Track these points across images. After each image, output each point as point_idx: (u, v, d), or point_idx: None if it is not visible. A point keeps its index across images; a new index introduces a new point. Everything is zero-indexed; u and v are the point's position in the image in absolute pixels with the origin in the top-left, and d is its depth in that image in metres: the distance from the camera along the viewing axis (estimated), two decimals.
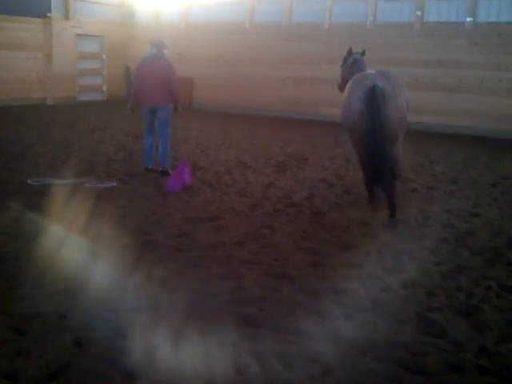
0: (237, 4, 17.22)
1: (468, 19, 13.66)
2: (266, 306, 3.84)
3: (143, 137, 8.43)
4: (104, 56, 19.17)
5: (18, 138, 10.48)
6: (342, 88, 7.04)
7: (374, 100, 5.52)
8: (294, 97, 16.06)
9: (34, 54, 16.93)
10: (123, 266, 4.41)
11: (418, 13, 14.15)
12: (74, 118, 13.76)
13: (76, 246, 4.86)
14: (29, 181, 7.09)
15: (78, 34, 18.07)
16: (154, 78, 7.71)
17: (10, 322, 3.50)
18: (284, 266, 4.61)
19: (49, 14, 17.15)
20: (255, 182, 7.76)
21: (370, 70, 6.37)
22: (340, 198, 6.97)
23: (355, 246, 5.14)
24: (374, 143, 5.50)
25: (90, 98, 18.59)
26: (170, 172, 7.77)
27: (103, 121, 13.53)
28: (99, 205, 6.19)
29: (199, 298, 3.93)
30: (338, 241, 5.32)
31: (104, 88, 19.33)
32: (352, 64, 6.98)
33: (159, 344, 3.26)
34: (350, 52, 7.22)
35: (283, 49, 16.26)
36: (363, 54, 7.16)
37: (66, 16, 17.67)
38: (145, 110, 8.01)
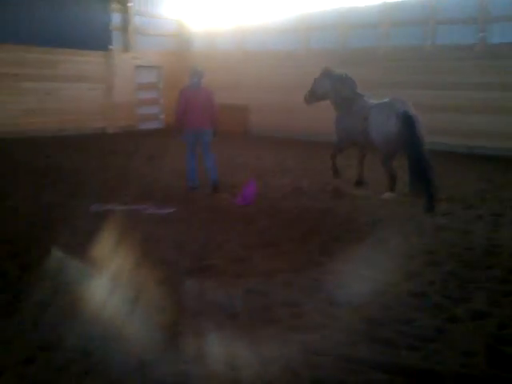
0: (291, 31, 17.40)
1: None
2: (327, 334, 3.76)
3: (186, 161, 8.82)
4: (161, 85, 19.74)
5: (81, 165, 10.87)
6: (309, 100, 9.43)
7: (413, 125, 7.55)
8: None
9: (95, 86, 17.65)
10: (184, 291, 4.46)
11: (482, 34, 13.73)
12: (134, 147, 14.15)
13: (137, 269, 4.94)
14: (91, 207, 7.30)
15: (137, 66, 18.73)
16: (199, 105, 8.41)
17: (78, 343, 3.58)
18: (345, 293, 4.51)
19: (110, 47, 17.89)
20: (311, 208, 7.70)
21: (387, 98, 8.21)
22: (402, 226, 6.79)
23: (419, 275, 4.98)
24: (422, 154, 7.46)
25: (148, 126, 19.16)
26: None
27: (161, 148, 13.85)
28: (159, 230, 6.31)
29: (260, 323, 3.89)
30: (401, 269, 5.17)
31: (161, 117, 19.85)
32: (341, 82, 8.86)
33: (212, 358, 3.24)
34: (328, 71, 8.95)
35: None
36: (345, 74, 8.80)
37: (126, 48, 18.38)
38: (189, 135, 8.51)
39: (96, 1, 17.45)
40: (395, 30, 15.30)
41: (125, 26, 18.37)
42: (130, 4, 18.20)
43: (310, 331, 3.80)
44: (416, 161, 7.44)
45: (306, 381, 3.15)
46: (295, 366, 3.30)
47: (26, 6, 15.58)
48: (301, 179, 9.86)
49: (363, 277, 4.94)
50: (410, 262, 5.40)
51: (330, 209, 7.61)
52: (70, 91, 16.80)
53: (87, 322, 3.88)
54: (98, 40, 17.56)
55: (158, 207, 7.39)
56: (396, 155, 8.19)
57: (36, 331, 3.77)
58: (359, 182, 9.14)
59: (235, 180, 9.31)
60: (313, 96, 9.46)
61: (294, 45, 17.35)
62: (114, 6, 17.99)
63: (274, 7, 17.85)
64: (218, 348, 3.53)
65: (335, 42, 16.49)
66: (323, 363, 3.34)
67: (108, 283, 4.60)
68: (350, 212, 7.47)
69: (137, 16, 18.61)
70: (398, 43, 15.17)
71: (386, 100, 8.22)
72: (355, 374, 3.23)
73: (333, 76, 9.03)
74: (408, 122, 7.52)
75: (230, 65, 18.64)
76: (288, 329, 3.83)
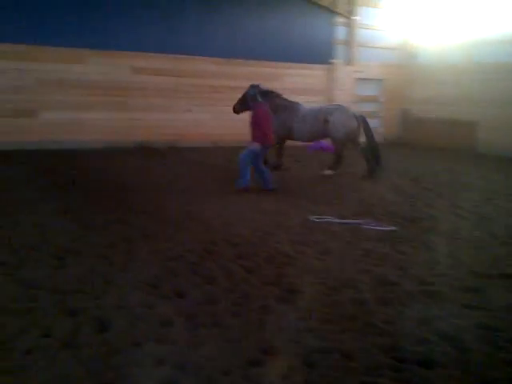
0: None
1: None
2: None
3: (259, 170, 9.27)
4: (381, 99, 19.49)
5: (298, 175, 11.19)
6: (239, 110, 10.94)
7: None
8: None
9: (316, 98, 18.08)
10: (410, 315, 4.21)
11: None
12: (352, 159, 14.09)
13: (355, 286, 4.81)
14: (310, 217, 7.40)
15: (358, 78, 18.76)
16: (269, 120, 9.19)
17: (302, 354, 3.58)
18: None
19: (332, 61, 18.23)
20: None
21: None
22: None
23: None
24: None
25: None
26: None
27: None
28: (378, 248, 6.10)
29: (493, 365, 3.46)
30: None
31: (380, 130, 19.58)
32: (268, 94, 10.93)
33: None
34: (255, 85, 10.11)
35: None
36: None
37: (348, 61, 18.55)
38: (265, 148, 9.17)
39: (321, 15, 17.97)
40: None
41: (348, 40, 18.56)
42: (355, 17, 18.33)
43: None
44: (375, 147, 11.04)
45: None
46: None
47: (258, 22, 16.76)
48: None
49: None
50: None
51: None
52: None
53: (310, 333, 3.85)
54: (320, 54, 18.10)
55: (377, 223, 7.18)
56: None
57: (262, 333, 3.86)
58: None
59: (458, 203, 8.65)
60: (243, 106, 10.72)
61: None
62: (339, 19, 18.30)
63: (507, 18, 16.31)
64: None
65: None
66: None
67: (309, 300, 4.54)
68: None
69: (360, 29, 18.66)
70: None
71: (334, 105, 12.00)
72: None
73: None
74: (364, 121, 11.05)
75: (458, 78, 17.55)
76: None
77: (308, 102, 17.70)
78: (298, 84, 17.62)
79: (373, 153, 11.04)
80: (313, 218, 7.40)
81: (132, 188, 9.12)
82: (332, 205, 8.40)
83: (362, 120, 11.05)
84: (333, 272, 5.25)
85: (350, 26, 18.46)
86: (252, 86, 9.71)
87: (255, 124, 8.99)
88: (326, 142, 11.33)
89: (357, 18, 18.38)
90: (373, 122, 19.22)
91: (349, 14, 18.32)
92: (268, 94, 10.97)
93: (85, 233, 6.32)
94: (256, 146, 8.94)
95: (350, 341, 3.80)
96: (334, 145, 11.32)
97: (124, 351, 3.52)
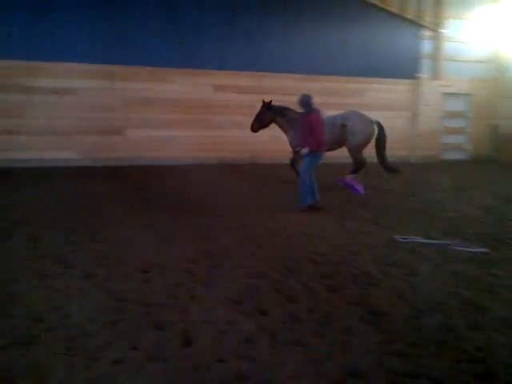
0: None
1: None
2: None
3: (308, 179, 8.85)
4: (469, 114, 18.75)
5: (382, 194, 10.92)
6: (256, 128, 11.50)
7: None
8: None
9: (400, 114, 17.72)
10: (503, 342, 3.97)
11: None
12: (437, 177, 13.67)
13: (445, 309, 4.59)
14: (397, 238, 7.18)
15: (445, 93, 18.17)
16: (322, 126, 8.93)
17: (387, 375, 3.48)
18: None
19: (418, 75, 17.79)
20: None
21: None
22: None
23: None
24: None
25: (452, 156, 18.37)
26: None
27: (467, 181, 13.08)
28: (468, 270, 5.81)
29: None
30: None
31: (467, 147, 18.83)
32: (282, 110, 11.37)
33: None
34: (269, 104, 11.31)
35: None
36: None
37: (435, 76, 18.03)
38: (319, 156, 8.92)
39: (406, 28, 17.63)
40: None
41: (434, 53, 18.06)
42: (441, 30, 17.82)
43: None
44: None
45: None
46: None
47: (340, 36, 16.71)
48: None
49: None
50: None
51: None
52: None
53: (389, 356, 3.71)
54: (406, 68, 17.72)
55: (467, 245, 6.84)
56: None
57: (346, 355, 3.76)
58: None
59: None
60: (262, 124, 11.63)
61: None
62: (425, 33, 17.86)
63: None
64: None
65: None
66: None
67: (414, 320, 4.36)
68: None
69: (447, 42, 18.11)
70: None
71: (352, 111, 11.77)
72: None
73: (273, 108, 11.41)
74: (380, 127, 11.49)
75: None
76: None
77: (393, 117, 17.53)
78: (381, 100, 17.34)
79: (381, 158, 11.51)
80: (399, 237, 7.18)
81: (214, 204, 9.27)
82: (419, 224, 8.12)
83: (378, 125, 11.45)
84: (419, 294, 5.05)
85: (436, 39, 17.98)
86: (303, 95, 9.11)
87: (309, 130, 8.74)
88: (352, 180, 11.20)
89: (444, 30, 17.87)
90: (459, 138, 18.66)
91: (435, 26, 17.85)
92: (283, 110, 11.38)
93: (169, 247, 6.47)
94: (307, 150, 8.73)
95: (440, 366, 3.62)
96: (352, 150, 11.39)
97: (208, 366, 3.54)
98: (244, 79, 15.82)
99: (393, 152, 17.29)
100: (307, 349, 3.85)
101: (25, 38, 13.74)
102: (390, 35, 17.52)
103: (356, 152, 11.36)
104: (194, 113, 15.43)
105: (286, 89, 15.89)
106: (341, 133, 11.22)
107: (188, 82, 15.28)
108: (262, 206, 9.25)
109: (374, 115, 16.90)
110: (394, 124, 17.39)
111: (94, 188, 10.66)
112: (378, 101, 17.25)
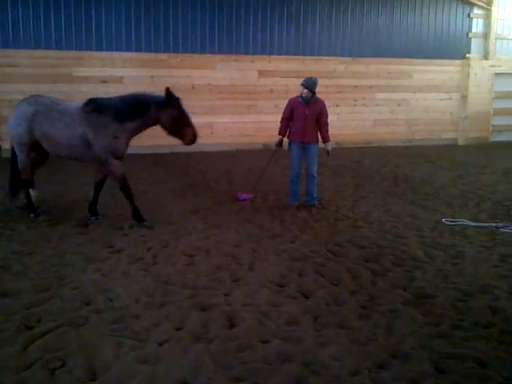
0: None
1: None
2: None
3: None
4: None
5: (430, 177, 10.70)
6: None
7: None
8: None
9: (449, 95, 17.24)
10: None
11: None
12: (486, 160, 13.28)
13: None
14: (443, 220, 7.06)
15: (496, 73, 17.55)
16: (305, 116, 7.87)
17: (431, 357, 3.45)
18: None
19: (468, 55, 17.24)
20: None
21: None
22: None
23: None
24: None
25: (503, 138, 17.77)
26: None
27: None
28: None
29: None
30: None
31: None
32: None
33: None
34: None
35: None
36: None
37: (486, 56, 17.42)
38: (294, 146, 8.13)
39: (455, 7, 17.07)
40: None
41: (485, 33, 17.43)
42: (493, 8, 17.16)
43: None
44: None
45: None
46: None
47: (387, 17, 16.36)
48: None
49: None
50: None
51: None
52: (421, 102, 16.83)
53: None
54: (455, 48, 17.19)
55: None
56: None
57: (390, 337, 3.75)
58: None
59: None
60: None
61: None
62: (475, 11, 17.26)
63: None
64: None
65: None
66: None
67: (461, 303, 4.29)
68: None
69: (498, 21, 17.45)
70: None
71: None
72: None
73: None
74: None
75: None
76: None
77: (441, 99, 17.09)
78: (429, 81, 16.89)
79: None
80: (445, 220, 7.05)
81: (258, 189, 9.30)
82: (467, 207, 7.94)
83: None
84: (466, 277, 4.96)
85: (486, 17, 17.33)
86: (311, 77, 8.04)
87: (320, 118, 8.00)
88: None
89: (495, 8, 17.20)
90: (510, 120, 18.00)
91: (486, 4, 17.20)
92: None
93: (213, 232, 6.55)
94: (332, 144, 8.32)
95: (486, 349, 3.57)
96: None
97: (252, 347, 3.59)
98: (288, 63, 15.70)
99: (440, 134, 17.07)
100: (351, 331, 3.85)
101: (73, 29, 14.05)
102: (438, 14, 16.99)
103: None
104: (238, 98, 15.45)
105: (330, 72, 15.70)
106: None
107: (232, 68, 15.30)
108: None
109: (420, 97, 16.74)
110: (440, 105, 17.02)
111: (140, 174, 10.86)
112: (424, 82, 16.82)
